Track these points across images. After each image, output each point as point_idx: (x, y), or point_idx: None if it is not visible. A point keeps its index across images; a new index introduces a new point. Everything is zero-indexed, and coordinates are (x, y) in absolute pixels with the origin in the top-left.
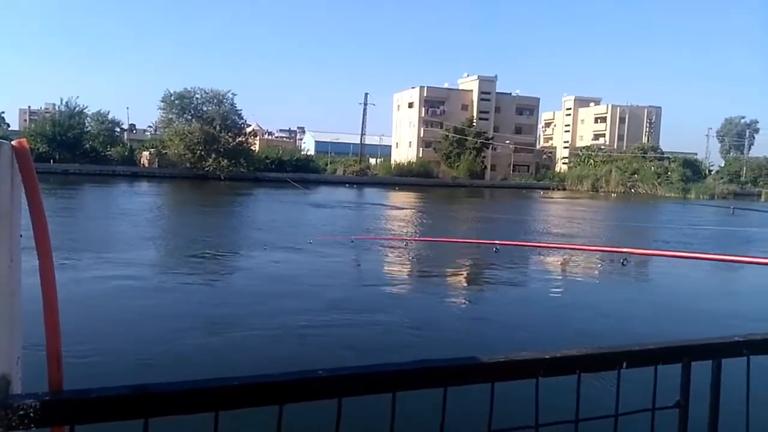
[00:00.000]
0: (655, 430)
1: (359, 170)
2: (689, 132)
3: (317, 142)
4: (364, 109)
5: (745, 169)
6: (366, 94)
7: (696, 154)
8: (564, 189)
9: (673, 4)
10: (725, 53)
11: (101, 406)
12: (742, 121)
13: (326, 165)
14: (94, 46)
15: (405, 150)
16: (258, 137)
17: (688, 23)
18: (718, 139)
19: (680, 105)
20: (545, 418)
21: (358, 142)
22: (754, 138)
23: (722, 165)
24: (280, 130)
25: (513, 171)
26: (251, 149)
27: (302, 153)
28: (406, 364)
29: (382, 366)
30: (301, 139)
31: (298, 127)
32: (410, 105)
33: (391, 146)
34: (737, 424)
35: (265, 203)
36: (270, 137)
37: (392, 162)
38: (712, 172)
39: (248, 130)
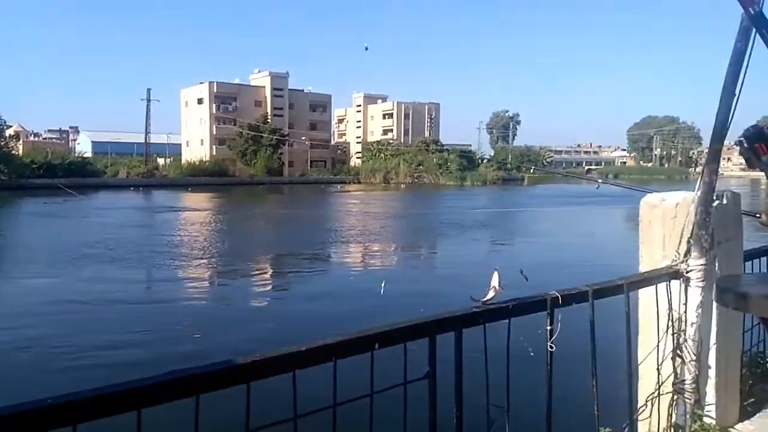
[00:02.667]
0: (408, 402)
1: (146, 171)
2: (464, 125)
3: (94, 143)
4: (148, 106)
5: (510, 157)
6: (149, 89)
7: (470, 145)
8: (359, 182)
9: (451, 6)
10: (489, 52)
11: (22, 420)
12: (507, 114)
13: (106, 167)
14: None
15: (197, 148)
16: (21, 140)
17: (458, 23)
18: (488, 131)
19: (456, 101)
20: (304, 408)
21: (143, 141)
22: (516, 129)
23: (492, 154)
24: (49, 131)
25: (310, 166)
26: (13, 153)
27: (76, 155)
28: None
29: (180, 372)
30: (75, 140)
31: (71, 127)
32: (200, 101)
33: (181, 145)
34: (478, 386)
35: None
36: (36, 139)
37: (183, 161)
38: (484, 161)
39: (9, 132)
